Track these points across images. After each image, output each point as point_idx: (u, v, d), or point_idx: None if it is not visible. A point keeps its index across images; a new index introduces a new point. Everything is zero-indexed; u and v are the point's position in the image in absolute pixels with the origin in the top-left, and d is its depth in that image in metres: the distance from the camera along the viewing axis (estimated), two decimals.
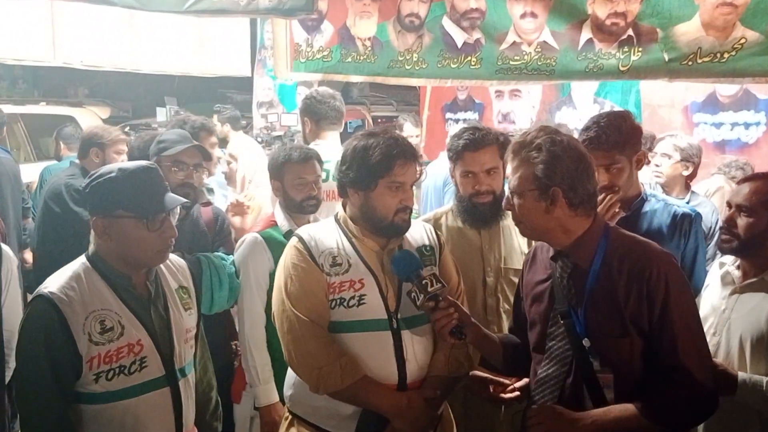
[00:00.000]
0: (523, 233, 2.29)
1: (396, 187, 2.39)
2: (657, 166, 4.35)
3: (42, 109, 8.20)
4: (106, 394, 2.09)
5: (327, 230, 2.53)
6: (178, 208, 2.24)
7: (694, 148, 4.38)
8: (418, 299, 2.29)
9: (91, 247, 2.20)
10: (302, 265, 2.42)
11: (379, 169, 2.37)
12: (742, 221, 2.46)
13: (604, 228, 2.18)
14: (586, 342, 2.09)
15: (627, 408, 2.01)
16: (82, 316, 2.07)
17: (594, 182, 2.16)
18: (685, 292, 2.07)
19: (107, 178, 2.15)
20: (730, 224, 2.49)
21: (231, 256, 3.25)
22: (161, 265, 2.31)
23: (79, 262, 2.19)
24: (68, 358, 2.04)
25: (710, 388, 2.03)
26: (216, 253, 3.23)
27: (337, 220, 2.55)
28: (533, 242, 2.98)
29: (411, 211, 2.47)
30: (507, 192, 2.21)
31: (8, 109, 8.02)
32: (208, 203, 3.60)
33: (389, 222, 2.41)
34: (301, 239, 2.49)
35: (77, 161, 4.67)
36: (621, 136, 2.78)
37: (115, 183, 2.14)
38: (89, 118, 7.88)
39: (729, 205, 2.55)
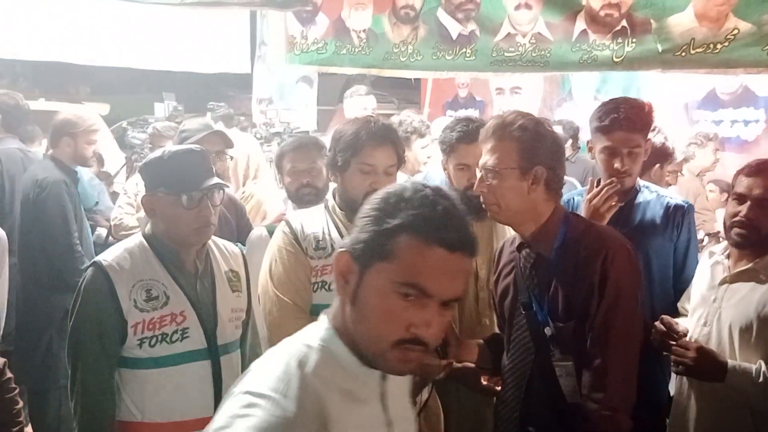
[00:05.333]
0: (494, 216, 2.23)
1: (366, 170, 2.41)
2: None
3: (40, 105, 8.17)
4: (149, 359, 2.22)
5: (315, 216, 2.56)
6: (222, 192, 2.35)
7: None
8: None
9: (148, 226, 2.36)
10: (287, 248, 2.47)
11: (348, 150, 2.40)
12: (764, 213, 2.34)
13: (564, 215, 2.17)
14: (548, 330, 2.09)
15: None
16: (130, 284, 2.21)
17: (564, 169, 2.18)
18: (627, 280, 2.04)
19: (154, 158, 2.32)
20: (749, 218, 2.35)
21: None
22: (213, 248, 2.42)
23: (137, 239, 2.33)
24: (114, 321, 2.19)
25: (618, 398, 1.99)
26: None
27: (326, 207, 2.58)
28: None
29: None
30: (478, 173, 2.19)
31: None
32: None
33: (360, 205, 2.39)
34: (288, 224, 2.54)
35: (48, 152, 4.31)
36: (644, 119, 2.74)
37: (158, 162, 2.28)
38: None
39: (741, 197, 2.40)
